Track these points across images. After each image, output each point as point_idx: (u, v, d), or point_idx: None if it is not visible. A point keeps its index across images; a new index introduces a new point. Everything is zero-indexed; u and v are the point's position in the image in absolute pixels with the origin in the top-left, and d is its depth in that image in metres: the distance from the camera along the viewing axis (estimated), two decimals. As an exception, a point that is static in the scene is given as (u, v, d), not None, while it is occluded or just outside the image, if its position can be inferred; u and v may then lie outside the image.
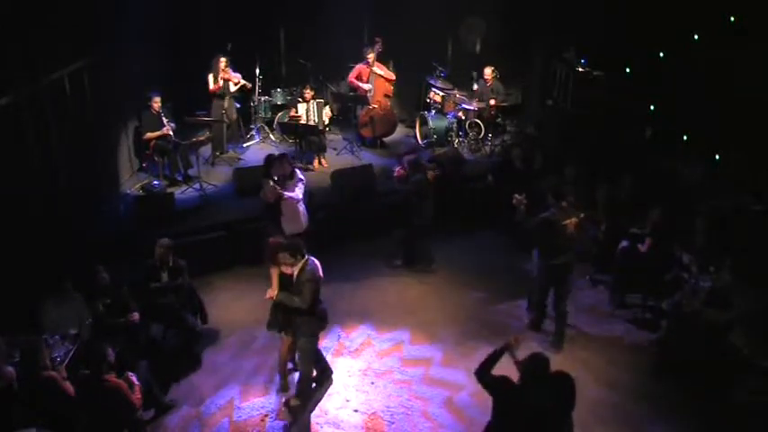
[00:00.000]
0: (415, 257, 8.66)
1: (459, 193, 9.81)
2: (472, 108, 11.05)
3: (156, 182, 9.53)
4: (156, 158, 9.62)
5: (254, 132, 11.28)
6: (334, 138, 11.34)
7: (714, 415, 6.17)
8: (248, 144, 11.11)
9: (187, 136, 10.03)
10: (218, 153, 10.60)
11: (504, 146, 10.97)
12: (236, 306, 7.83)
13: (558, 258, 6.82)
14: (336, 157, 10.65)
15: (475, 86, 11.54)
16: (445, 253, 8.82)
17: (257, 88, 11.21)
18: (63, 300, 6.41)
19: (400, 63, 11.64)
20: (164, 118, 9.50)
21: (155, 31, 9.42)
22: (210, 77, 10.20)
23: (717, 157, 9.04)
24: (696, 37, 9.19)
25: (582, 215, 6.90)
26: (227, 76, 10.26)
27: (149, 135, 9.52)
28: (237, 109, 10.90)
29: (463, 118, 11.05)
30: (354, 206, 9.37)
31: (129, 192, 9.50)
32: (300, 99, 10.72)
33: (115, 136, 9.56)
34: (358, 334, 7.40)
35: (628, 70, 10.21)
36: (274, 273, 5.99)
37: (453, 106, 11.21)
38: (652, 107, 10.04)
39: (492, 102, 11.15)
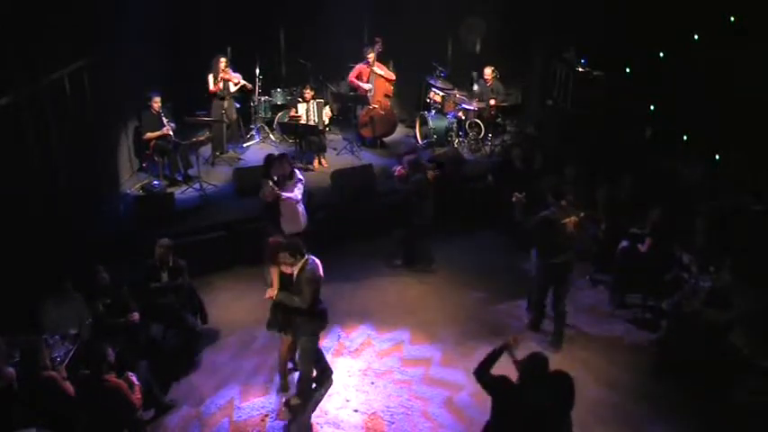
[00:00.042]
0: (415, 257, 8.66)
1: (459, 193, 9.81)
2: (472, 108, 11.05)
3: (156, 182, 9.54)
4: (156, 158, 9.62)
5: (254, 132, 11.29)
6: (334, 138, 11.34)
7: (714, 415, 6.17)
8: (248, 144, 11.11)
9: (187, 136, 10.03)
10: (218, 153, 10.60)
11: (504, 146, 10.97)
12: (236, 306, 7.83)
13: (557, 257, 6.83)
14: (336, 157, 10.65)
15: (475, 87, 11.53)
16: (445, 253, 8.82)
17: (257, 88, 11.21)
18: (63, 300, 6.41)
19: (400, 63, 11.63)
20: (164, 118, 9.50)
21: (155, 31, 9.42)
22: (210, 77, 10.20)
23: (717, 157, 9.04)
24: (696, 37, 9.19)
25: (581, 214, 6.91)
26: (227, 77, 10.26)
27: (149, 135, 9.52)
28: (237, 109, 10.90)
29: (463, 118, 11.04)
30: (354, 206, 9.37)
31: (129, 192, 9.50)
32: (300, 99, 10.72)
33: (115, 136, 9.56)
34: (358, 334, 7.40)
35: (628, 70, 10.21)
36: (274, 272, 5.99)
37: (453, 106, 11.21)
38: (652, 107, 10.04)
39: (492, 102, 11.15)
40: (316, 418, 6.20)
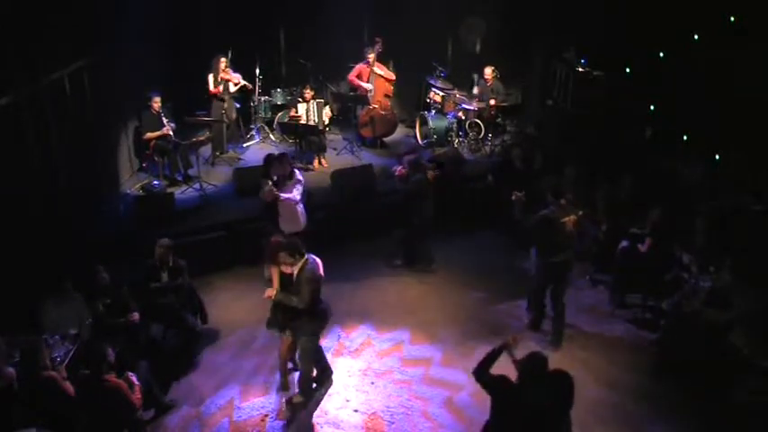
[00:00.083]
0: (415, 257, 8.66)
1: (459, 193, 9.81)
2: (472, 108, 11.05)
3: (156, 182, 9.53)
4: (156, 158, 9.62)
5: (254, 132, 11.28)
6: (334, 138, 11.34)
7: (714, 415, 6.17)
8: (248, 144, 11.11)
9: (187, 136, 10.03)
10: (218, 153, 10.60)
11: (504, 146, 10.97)
12: (236, 306, 7.83)
13: (557, 256, 6.84)
14: (336, 157, 10.64)
15: (475, 90, 11.49)
16: (445, 253, 8.82)
17: (257, 88, 11.21)
18: (63, 300, 6.41)
19: (400, 63, 11.63)
20: (164, 118, 9.50)
21: (155, 31, 9.41)
22: (210, 77, 10.20)
23: (717, 157, 9.04)
24: (696, 37, 9.19)
25: (580, 213, 6.92)
26: (227, 77, 10.27)
27: (149, 135, 9.52)
28: (237, 109, 10.90)
29: (463, 118, 11.04)
30: (354, 206, 9.37)
31: (129, 192, 9.50)
32: (300, 99, 10.72)
33: (115, 136, 9.56)
34: (358, 334, 7.40)
35: (628, 70, 10.21)
36: (275, 272, 5.99)
37: (453, 106, 11.20)
38: (652, 107, 10.04)
39: (492, 101, 11.15)
40: (316, 418, 6.20)
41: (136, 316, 6.58)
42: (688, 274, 6.94)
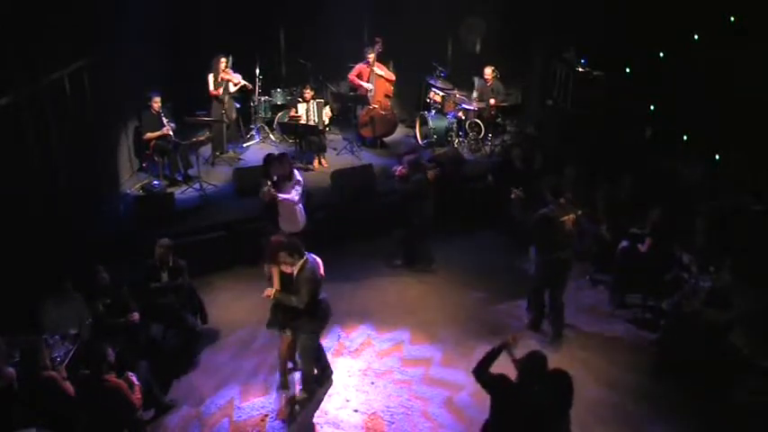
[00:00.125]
0: (415, 257, 8.66)
1: (459, 193, 9.80)
2: (472, 108, 11.05)
3: (156, 182, 9.53)
4: (156, 158, 9.62)
5: (254, 132, 11.29)
6: (334, 138, 11.34)
7: (714, 415, 6.17)
8: (248, 144, 11.11)
9: (187, 136, 10.03)
10: (218, 153, 10.60)
11: (504, 146, 10.97)
12: (236, 306, 7.83)
13: (556, 254, 6.85)
14: (336, 157, 10.64)
15: (474, 94, 11.46)
16: (445, 253, 8.82)
17: (257, 88, 11.21)
18: (63, 300, 6.41)
19: (400, 63, 11.63)
20: (164, 118, 9.50)
21: (155, 31, 9.41)
22: (210, 77, 10.20)
23: (717, 157, 9.04)
24: (696, 37, 9.19)
25: (579, 212, 6.93)
26: (227, 77, 10.27)
27: (149, 135, 9.52)
28: (237, 109, 10.90)
29: (463, 118, 11.04)
30: (354, 206, 9.37)
31: (129, 192, 9.50)
32: (300, 99, 10.72)
33: (115, 136, 9.56)
34: (358, 334, 7.40)
35: (628, 70, 10.21)
36: (275, 272, 5.99)
37: (453, 106, 11.21)
38: (652, 107, 10.04)
39: (492, 101, 11.14)
40: (316, 418, 6.20)
41: (136, 316, 6.58)
42: (688, 274, 6.94)
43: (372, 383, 6.65)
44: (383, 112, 11.04)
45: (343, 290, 7.96)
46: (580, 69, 10.58)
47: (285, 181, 7.50)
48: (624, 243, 7.72)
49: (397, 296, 8.12)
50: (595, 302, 7.96)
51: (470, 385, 6.24)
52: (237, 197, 9.39)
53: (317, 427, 6.09)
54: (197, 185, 9.45)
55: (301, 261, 5.90)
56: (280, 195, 7.37)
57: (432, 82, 11.65)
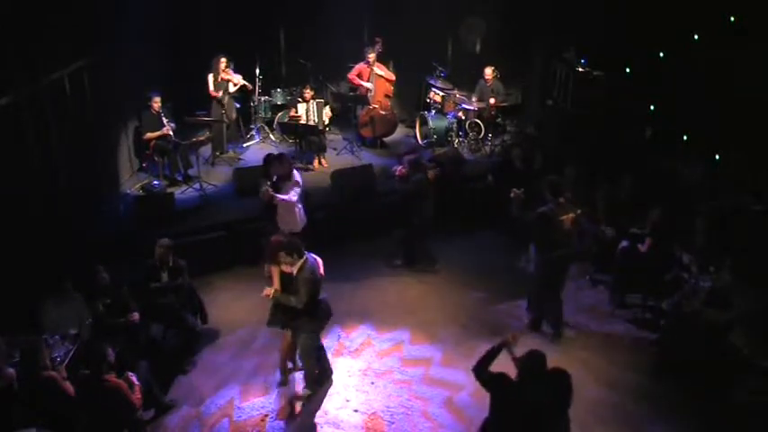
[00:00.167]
0: (415, 257, 8.66)
1: (459, 193, 9.81)
2: (472, 108, 11.05)
3: (156, 182, 9.53)
4: (156, 158, 9.62)
5: (254, 132, 11.29)
6: (334, 138, 11.34)
7: (714, 415, 6.17)
8: (248, 144, 11.11)
9: (187, 136, 10.03)
10: (218, 153, 10.60)
11: (504, 146, 10.97)
12: (236, 306, 7.83)
13: (555, 253, 6.86)
14: (336, 157, 10.64)
15: (474, 99, 11.44)
16: (445, 253, 8.82)
17: (257, 88, 11.22)
18: (63, 300, 6.41)
19: (400, 63, 11.63)
20: (164, 118, 9.50)
21: (155, 31, 9.42)
22: (210, 77, 10.20)
23: (717, 157, 9.04)
24: (696, 37, 9.19)
25: (579, 211, 6.94)
26: (227, 77, 10.27)
27: (149, 135, 9.52)
28: (237, 109, 10.91)
29: (463, 118, 11.04)
30: (354, 206, 9.37)
31: (129, 192, 9.50)
32: (300, 99, 10.72)
33: (115, 136, 9.56)
34: (358, 334, 7.40)
35: (628, 70, 10.21)
36: (275, 271, 6.00)
37: (453, 106, 11.20)
38: (652, 107, 10.04)
39: (492, 101, 11.14)
40: (316, 418, 6.19)
41: (136, 316, 6.58)
42: (688, 274, 6.94)
43: (372, 383, 6.65)
44: (383, 112, 11.04)
45: (343, 290, 7.96)
46: (580, 69, 10.58)
47: (285, 180, 7.49)
48: (624, 243, 7.73)
49: (397, 296, 8.11)
50: (595, 302, 7.96)
51: (470, 385, 6.25)
52: (237, 197, 9.39)
53: (317, 427, 6.09)
54: (197, 185, 9.45)
55: (301, 261, 5.91)
56: (278, 196, 7.36)
57: (432, 82, 11.65)
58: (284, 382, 6.51)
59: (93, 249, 7.45)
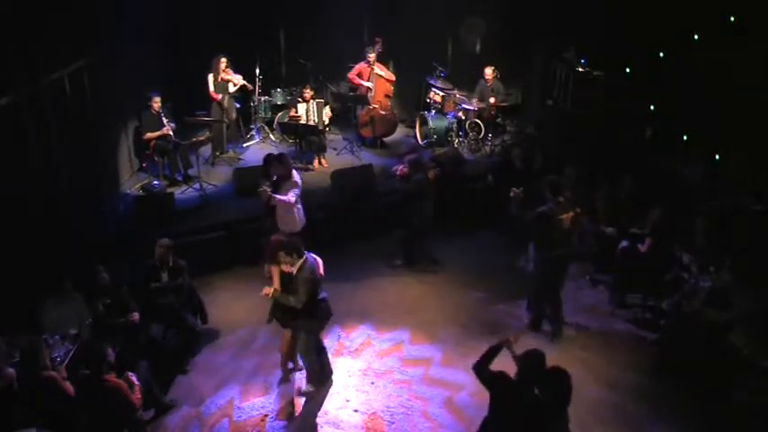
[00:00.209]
0: (415, 257, 8.66)
1: (459, 193, 9.81)
2: (472, 108, 11.05)
3: (156, 182, 9.53)
4: (156, 158, 9.62)
5: (254, 132, 11.29)
6: (334, 138, 11.34)
7: (714, 415, 6.17)
8: (248, 144, 11.11)
9: (187, 136, 10.03)
10: (218, 153, 10.60)
11: (504, 146, 10.97)
12: (236, 306, 7.83)
13: (554, 252, 6.86)
14: (336, 157, 10.64)
15: (474, 99, 11.44)
16: (445, 253, 8.82)
17: (257, 88, 11.22)
18: (63, 300, 6.42)
19: (400, 63, 11.64)
20: (164, 118, 9.51)
21: (155, 31, 9.42)
22: (210, 77, 10.20)
23: (717, 157, 9.04)
24: (696, 37, 9.19)
25: (578, 210, 6.94)
26: (227, 77, 10.27)
27: (149, 135, 9.52)
28: (237, 109, 10.91)
29: (463, 118, 11.04)
30: (354, 206, 9.37)
31: (129, 192, 9.51)
32: (300, 99, 10.72)
33: (115, 136, 9.56)
34: (358, 334, 7.40)
35: (628, 70, 10.21)
36: (275, 271, 6.00)
37: (453, 106, 11.20)
38: (652, 107, 10.04)
39: (492, 100, 11.14)
40: (316, 418, 6.19)
41: (136, 316, 6.58)
42: (688, 274, 6.94)
43: (372, 383, 6.65)
44: (383, 112, 11.04)
45: (343, 290, 7.95)
46: (580, 69, 10.58)
47: (285, 181, 7.49)
48: (624, 243, 7.73)
49: (397, 296, 8.11)
50: (595, 302, 7.96)
51: (470, 385, 6.26)
52: (237, 197, 9.39)
53: (317, 427, 6.09)
54: (197, 185, 9.45)
55: (301, 261, 5.91)
56: (276, 196, 7.36)
57: (432, 82, 11.65)
58: (285, 378, 6.52)
59: (93, 249, 7.45)
